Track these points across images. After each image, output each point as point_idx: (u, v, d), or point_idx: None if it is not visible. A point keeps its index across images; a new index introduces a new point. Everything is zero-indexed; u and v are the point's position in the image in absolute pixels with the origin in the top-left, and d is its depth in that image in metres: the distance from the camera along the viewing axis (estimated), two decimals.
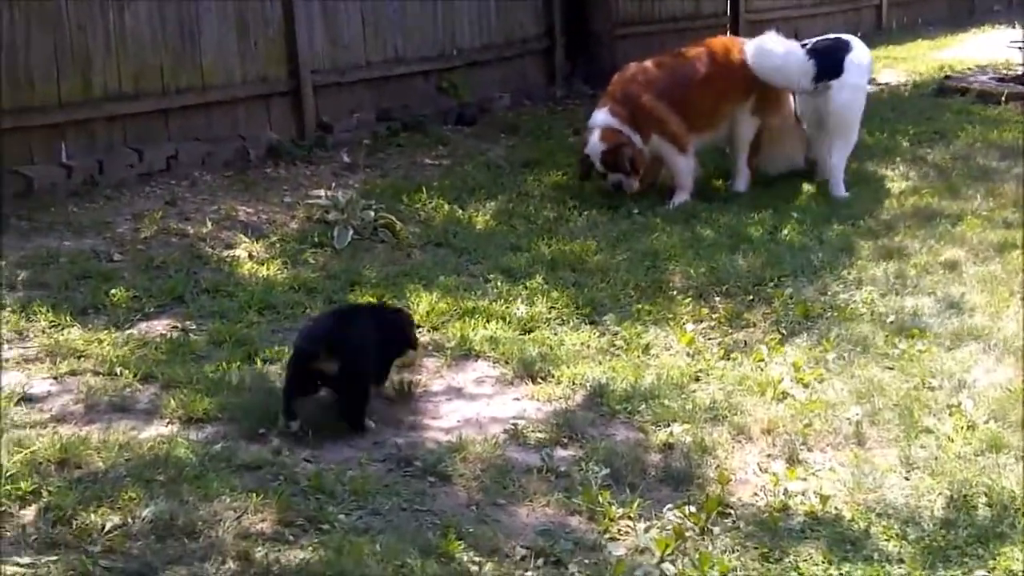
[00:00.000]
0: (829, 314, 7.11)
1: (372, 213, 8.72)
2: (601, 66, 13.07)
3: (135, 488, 4.91)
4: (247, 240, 8.43)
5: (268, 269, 7.90)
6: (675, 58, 9.83)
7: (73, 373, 6.17)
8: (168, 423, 5.69)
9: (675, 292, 7.53)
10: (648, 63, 9.76)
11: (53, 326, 6.75)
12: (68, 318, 6.84)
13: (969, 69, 14.06)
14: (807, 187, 9.72)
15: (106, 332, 6.73)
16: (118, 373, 6.16)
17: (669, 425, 5.74)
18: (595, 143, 9.42)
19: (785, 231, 8.66)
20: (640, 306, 7.29)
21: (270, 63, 10.83)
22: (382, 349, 5.84)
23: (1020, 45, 16.60)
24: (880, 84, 14.52)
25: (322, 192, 9.35)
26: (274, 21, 10.81)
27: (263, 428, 5.56)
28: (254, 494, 4.91)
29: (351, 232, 8.48)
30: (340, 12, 11.40)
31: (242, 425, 5.60)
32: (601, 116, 9.48)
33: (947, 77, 13.72)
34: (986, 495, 5.02)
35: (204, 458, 5.23)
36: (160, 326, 6.95)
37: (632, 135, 9.38)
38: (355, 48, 11.57)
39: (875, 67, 15.30)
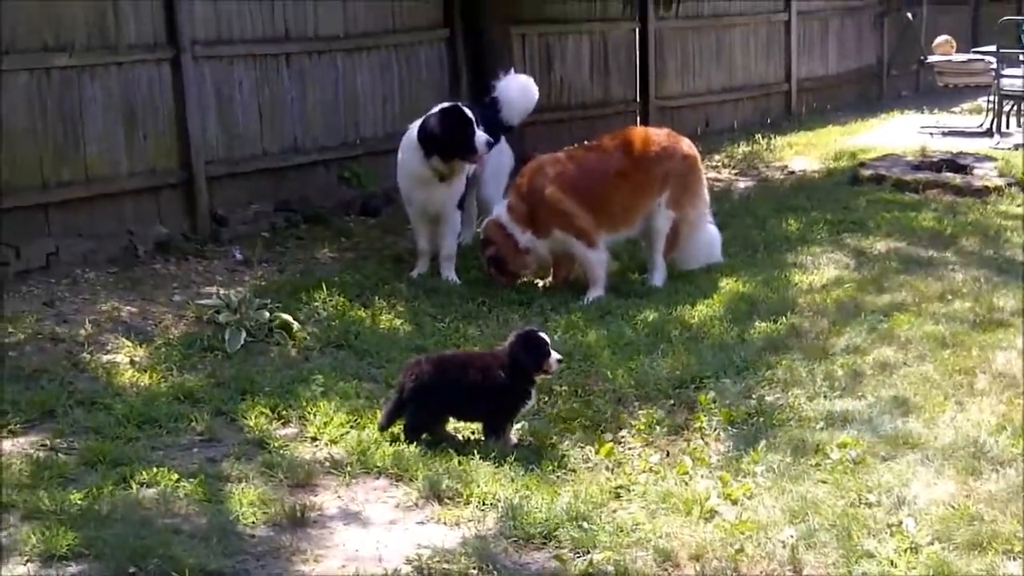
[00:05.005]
0: (755, 419, 6.66)
1: (267, 313, 8.15)
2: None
3: None
4: (129, 344, 7.80)
5: (151, 377, 7.28)
6: (588, 151, 9.49)
7: None
8: (27, 561, 5.05)
9: (592, 396, 7.05)
10: (560, 155, 9.45)
11: None
12: None
13: (884, 157, 13.81)
14: (725, 282, 9.29)
15: None
16: None
17: (589, 552, 5.22)
18: (480, 232, 9.43)
19: (705, 328, 8.21)
20: (555, 412, 6.80)
21: (160, 154, 10.25)
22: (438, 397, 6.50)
23: (931, 131, 16.55)
24: (793, 171, 14.26)
25: (213, 291, 8.75)
26: (164, 110, 10.24)
27: (133, 567, 4.94)
28: None
29: (243, 334, 7.89)
30: (235, 100, 10.85)
31: (108, 564, 4.98)
32: (496, 208, 9.41)
33: (862, 164, 13.47)
34: None
35: None
36: (26, 444, 6.33)
37: (520, 233, 9.04)
38: (251, 137, 11.03)
39: (787, 154, 15.18)
